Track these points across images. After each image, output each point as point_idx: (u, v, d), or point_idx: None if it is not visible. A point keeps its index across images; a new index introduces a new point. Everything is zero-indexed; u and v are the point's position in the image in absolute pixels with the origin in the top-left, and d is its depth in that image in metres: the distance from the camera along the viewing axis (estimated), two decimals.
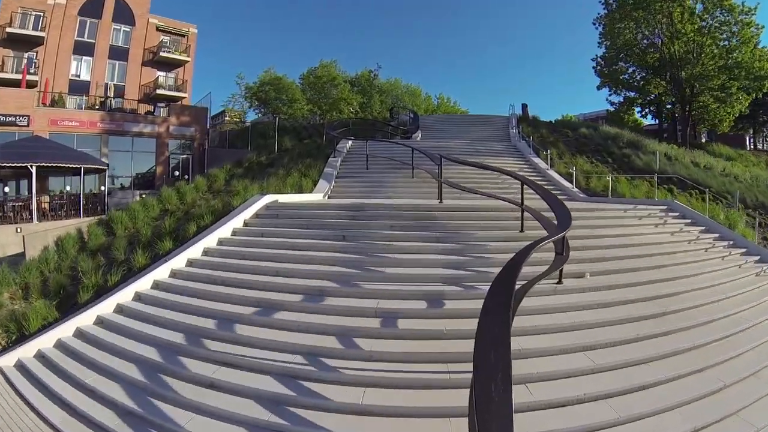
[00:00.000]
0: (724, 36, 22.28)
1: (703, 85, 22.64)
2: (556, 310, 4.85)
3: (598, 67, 27.03)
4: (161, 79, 24.31)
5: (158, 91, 23.81)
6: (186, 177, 18.92)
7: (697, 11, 22.45)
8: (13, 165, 14.64)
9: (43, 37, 20.98)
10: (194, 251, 6.87)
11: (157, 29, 24.62)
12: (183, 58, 25.05)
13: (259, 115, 28.14)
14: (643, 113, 29.95)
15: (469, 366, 2.54)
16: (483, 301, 2.95)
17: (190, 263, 6.69)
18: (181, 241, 7.53)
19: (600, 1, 25.46)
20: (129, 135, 20.41)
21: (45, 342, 5.50)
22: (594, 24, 26.75)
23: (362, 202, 8.17)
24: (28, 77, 20.12)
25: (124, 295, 6.22)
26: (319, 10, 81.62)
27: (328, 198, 10.74)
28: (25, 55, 20.89)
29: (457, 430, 3.31)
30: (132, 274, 7.05)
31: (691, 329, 5.06)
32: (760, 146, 33.20)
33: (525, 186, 6.63)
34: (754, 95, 23.10)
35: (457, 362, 4.01)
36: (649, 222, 8.24)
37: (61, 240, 9.38)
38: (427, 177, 10.57)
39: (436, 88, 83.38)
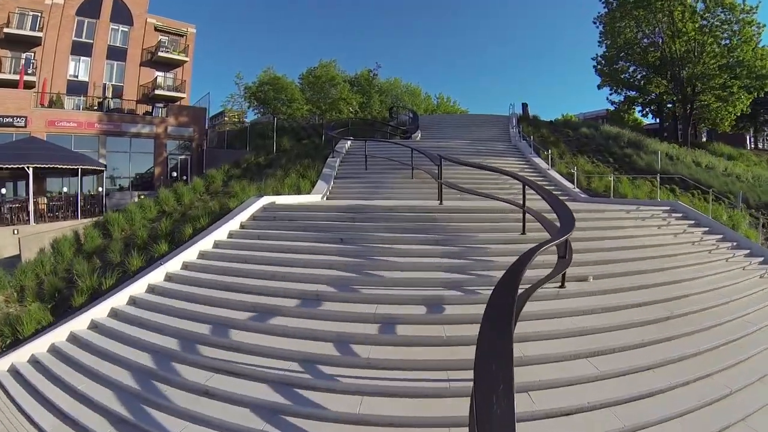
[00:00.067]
0: (726, 35, 22.18)
1: (704, 84, 22.55)
2: (559, 314, 4.74)
3: (599, 67, 26.94)
4: (160, 80, 24.24)
5: (157, 92, 23.73)
6: (184, 177, 18.84)
7: (698, 10, 22.33)
8: (9, 166, 14.55)
9: (41, 38, 20.90)
10: (190, 254, 6.76)
11: (156, 29, 24.54)
12: (181, 58, 24.97)
13: (258, 115, 28.06)
14: (644, 112, 29.89)
15: (470, 374, 2.47)
16: (484, 306, 2.85)
17: (186, 266, 6.58)
18: (177, 244, 7.43)
19: (600, 0, 25.38)
20: (127, 136, 20.31)
21: (39, 347, 5.41)
22: (594, 23, 26.68)
23: (361, 204, 8.05)
24: (26, 78, 20.04)
25: (119, 299, 6.12)
26: (319, 10, 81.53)
27: (327, 199, 10.63)
28: (23, 55, 20.81)
29: None
30: (127, 277, 6.96)
31: (696, 333, 4.95)
32: (761, 145, 33.06)
33: (526, 187, 6.52)
34: (755, 94, 23.00)
35: (457, 370, 3.91)
36: (652, 223, 8.13)
37: (56, 242, 9.30)
38: (427, 177, 10.46)
39: (436, 88, 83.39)
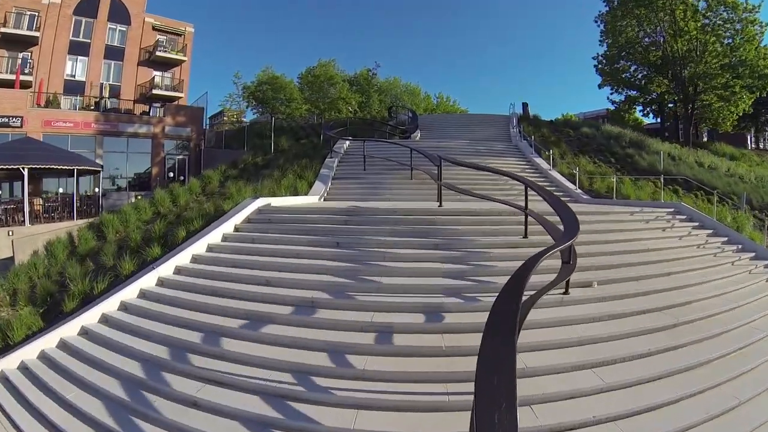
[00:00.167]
0: (728, 34, 22.01)
1: (706, 83, 22.37)
2: (563, 323, 4.57)
3: (599, 66, 26.76)
4: (157, 79, 24.07)
5: (154, 91, 23.56)
6: (182, 178, 18.68)
7: (700, 9, 22.15)
8: (5, 167, 14.39)
9: (38, 37, 20.75)
10: (182, 258, 6.59)
11: (153, 28, 24.36)
12: (179, 57, 24.79)
13: (257, 115, 27.89)
14: (645, 112, 29.70)
15: (470, 386, 2.34)
16: (485, 314, 2.71)
17: (178, 271, 6.42)
18: (170, 247, 7.27)
19: None
20: (124, 136, 20.16)
21: (29, 353, 5.28)
22: (596, 21, 26.50)
23: (358, 206, 7.88)
24: (23, 77, 19.89)
25: (110, 305, 5.97)
26: (319, 10, 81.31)
27: (324, 200, 10.47)
28: (20, 55, 20.64)
29: None
30: (119, 281, 6.81)
31: (703, 341, 4.80)
32: (762, 145, 32.85)
33: (528, 189, 6.34)
34: (757, 94, 22.82)
35: (456, 382, 3.75)
36: (656, 225, 7.96)
37: (50, 244, 9.16)
38: (426, 178, 10.29)
39: (436, 88, 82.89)
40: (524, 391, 3.61)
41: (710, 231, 8.29)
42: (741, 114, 24.20)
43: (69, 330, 5.59)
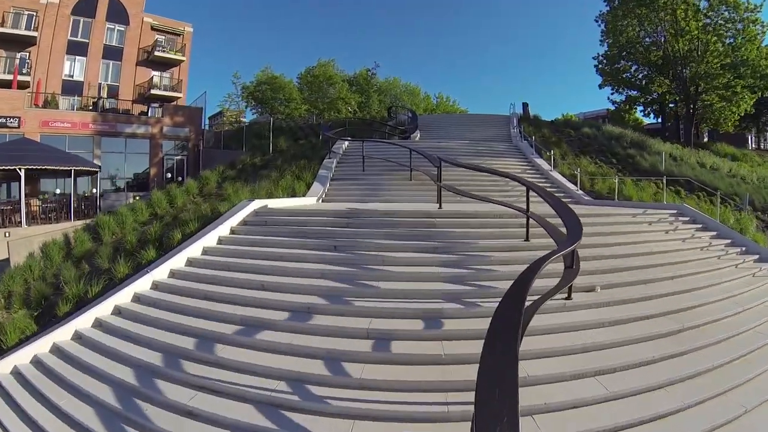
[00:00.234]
0: (729, 33, 21.89)
1: (707, 83, 22.24)
2: (566, 329, 4.45)
3: (600, 66, 26.65)
4: (156, 79, 23.97)
5: (153, 91, 23.46)
6: (180, 178, 18.56)
7: (701, 8, 22.04)
8: (1, 168, 14.28)
9: (36, 37, 20.65)
10: (177, 261, 6.48)
11: (152, 28, 24.27)
12: (178, 57, 24.69)
13: (257, 115, 27.82)
14: (646, 112, 29.56)
15: (471, 396, 2.28)
16: (485, 320, 2.61)
17: (173, 274, 6.30)
18: (165, 250, 7.16)
19: None
20: (122, 136, 20.05)
21: (22, 358, 5.19)
22: (596, 21, 26.39)
23: (356, 208, 7.76)
24: (21, 78, 19.81)
25: (104, 309, 5.87)
26: (321, 9, 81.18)
27: (322, 202, 10.35)
28: (18, 55, 20.54)
29: None
30: (114, 284, 6.70)
31: (709, 347, 4.69)
32: (763, 146, 32.70)
33: (530, 191, 6.22)
34: (759, 94, 22.70)
35: (456, 391, 3.63)
36: (659, 228, 7.85)
37: (46, 246, 9.06)
38: (426, 179, 10.18)
39: (436, 88, 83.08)
40: (526, 400, 3.51)
41: (714, 233, 8.18)
42: (743, 114, 24.07)
43: (62, 334, 5.50)
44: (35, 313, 6.72)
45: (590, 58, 28.12)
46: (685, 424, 3.53)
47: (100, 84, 22.42)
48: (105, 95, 21.96)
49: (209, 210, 8.60)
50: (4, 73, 19.74)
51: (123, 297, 6.00)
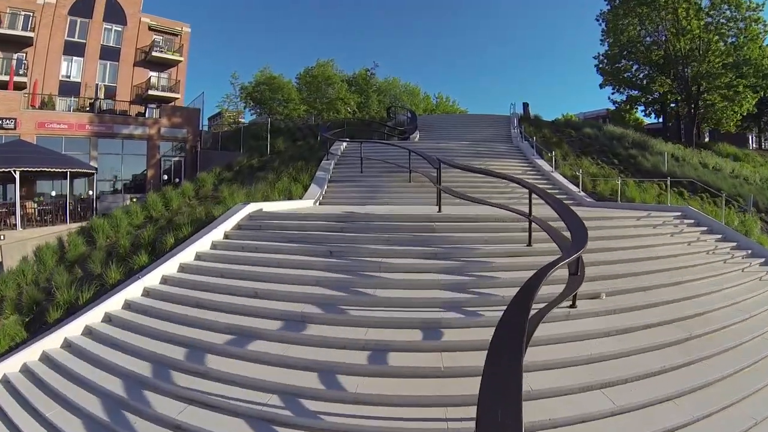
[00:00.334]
0: (731, 32, 21.72)
1: (709, 83, 22.05)
2: (570, 338, 4.28)
3: (601, 65, 26.45)
4: (153, 80, 23.78)
5: (150, 92, 23.27)
6: (177, 180, 18.39)
7: (703, 7, 21.86)
8: None
9: (33, 38, 20.47)
10: (169, 267, 6.31)
11: (150, 28, 24.10)
12: (176, 57, 24.52)
13: (255, 115, 27.67)
14: (647, 112, 29.35)
15: (471, 411, 2.24)
16: (486, 329, 2.47)
17: (165, 280, 6.14)
18: (158, 255, 6.99)
19: None
20: (119, 137, 19.87)
21: (11, 366, 5.05)
22: (597, 20, 26.17)
23: (353, 212, 7.59)
24: (17, 79, 19.64)
25: (94, 316, 5.73)
26: (319, 10, 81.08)
27: (319, 204, 10.17)
28: (14, 56, 20.38)
29: None
30: (105, 290, 6.55)
31: (717, 356, 4.55)
32: (764, 145, 32.49)
33: (533, 194, 6.03)
34: (761, 93, 22.52)
35: (456, 406, 3.47)
36: (664, 231, 7.68)
37: (39, 250, 8.91)
38: (426, 181, 10.00)
39: (436, 88, 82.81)
40: (530, 415, 3.34)
41: (719, 236, 8.02)
42: (745, 114, 23.90)
43: (52, 342, 5.36)
44: (26, 319, 6.58)
45: (589, 58, 28.11)
46: None
47: (97, 85, 22.24)
48: (102, 96, 21.77)
49: (204, 213, 8.43)
50: (1, 74, 19.57)
51: (113, 304, 5.86)
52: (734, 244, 7.84)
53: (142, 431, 3.72)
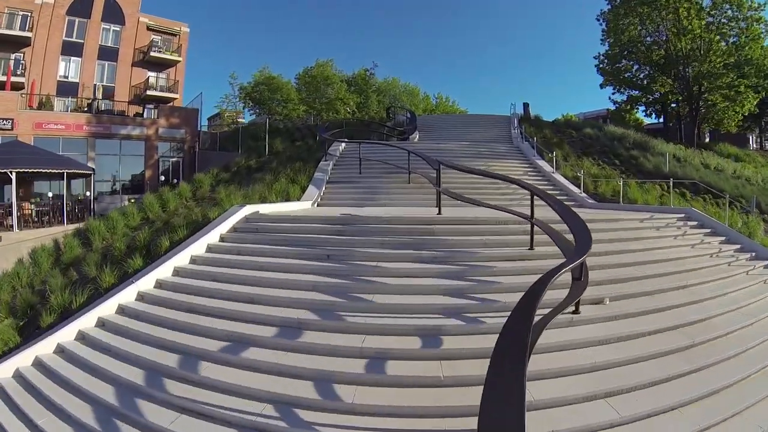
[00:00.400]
0: (733, 32, 21.60)
1: (710, 83, 21.93)
2: (574, 346, 4.17)
3: (601, 66, 26.33)
4: (152, 80, 23.69)
5: (149, 92, 23.17)
6: (175, 181, 18.25)
7: (704, 7, 21.75)
8: None
9: (30, 38, 20.37)
10: (164, 271, 6.20)
11: (148, 29, 24.00)
12: (174, 58, 24.42)
13: (254, 115, 27.54)
14: (648, 112, 29.23)
15: (472, 422, 2.24)
16: (488, 336, 2.39)
17: (159, 285, 6.02)
18: (153, 258, 6.87)
19: None
20: (117, 138, 19.73)
21: (4, 371, 4.98)
22: (597, 20, 26.06)
23: (351, 214, 7.46)
24: (15, 79, 19.53)
25: (88, 320, 5.63)
26: (319, 10, 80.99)
27: (317, 206, 10.04)
28: (12, 56, 20.27)
29: None
30: (99, 294, 6.43)
31: (723, 362, 4.45)
32: (765, 146, 32.37)
33: (535, 197, 5.91)
34: (762, 93, 22.40)
35: (457, 417, 3.36)
36: (667, 233, 7.57)
37: (35, 252, 8.80)
38: (425, 182, 9.89)
39: (435, 88, 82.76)
40: (532, 427, 3.18)
41: (723, 238, 7.91)
42: (746, 114, 23.79)
43: (45, 347, 5.27)
44: (20, 323, 6.49)
45: (589, 59, 28.03)
46: None
47: (95, 85, 22.13)
48: (100, 96, 21.65)
49: (200, 215, 8.31)
50: None
51: (107, 308, 5.76)
52: (738, 246, 7.73)
53: None
